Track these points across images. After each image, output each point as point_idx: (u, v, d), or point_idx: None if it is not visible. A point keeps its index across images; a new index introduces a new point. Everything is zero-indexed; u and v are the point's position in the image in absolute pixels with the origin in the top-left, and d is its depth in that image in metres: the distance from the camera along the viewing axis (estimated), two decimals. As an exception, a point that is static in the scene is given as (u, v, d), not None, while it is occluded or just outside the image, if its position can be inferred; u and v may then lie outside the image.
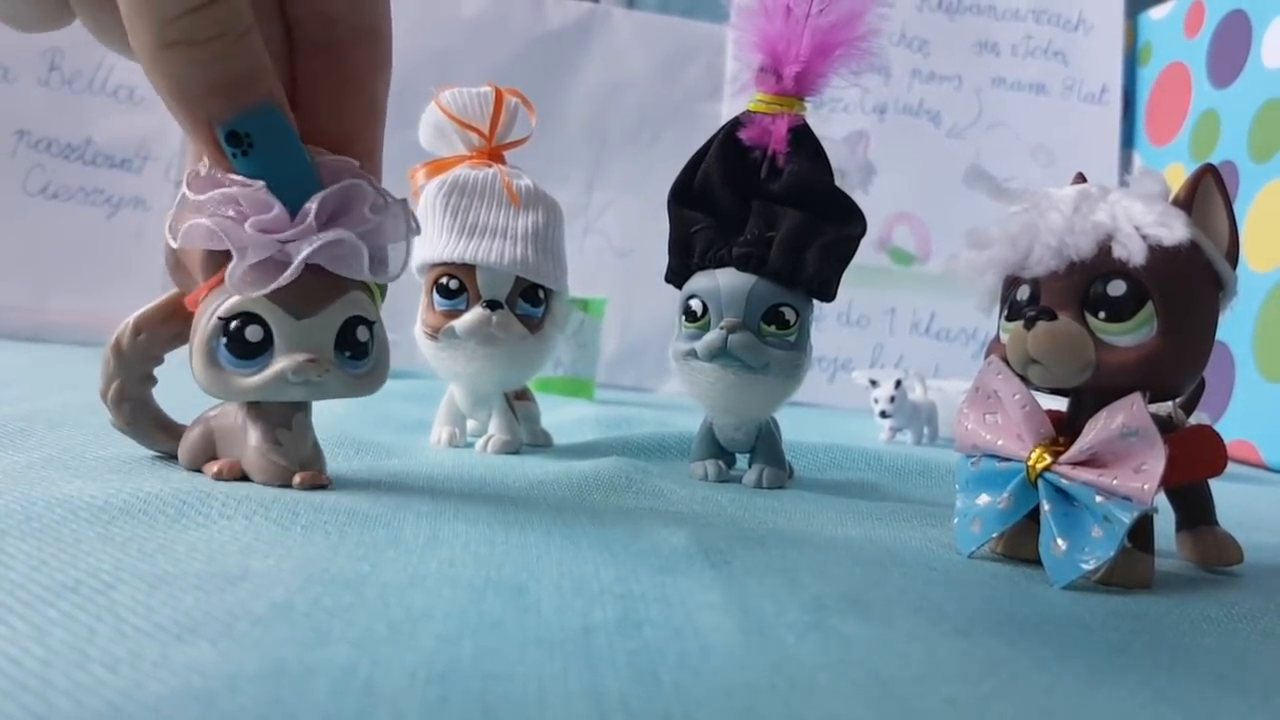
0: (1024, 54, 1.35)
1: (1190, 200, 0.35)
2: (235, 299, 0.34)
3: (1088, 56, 1.35)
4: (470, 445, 0.56)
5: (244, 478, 0.37)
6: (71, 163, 1.19)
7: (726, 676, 0.21)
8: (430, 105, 0.54)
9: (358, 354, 0.36)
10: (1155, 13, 1.31)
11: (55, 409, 0.51)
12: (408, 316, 0.55)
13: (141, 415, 0.39)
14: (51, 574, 0.23)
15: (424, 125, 0.55)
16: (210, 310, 0.35)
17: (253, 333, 0.35)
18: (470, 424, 0.58)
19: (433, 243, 0.52)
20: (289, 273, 0.33)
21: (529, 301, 0.53)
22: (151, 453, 0.41)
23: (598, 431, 0.67)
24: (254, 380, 0.35)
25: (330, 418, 0.55)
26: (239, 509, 0.32)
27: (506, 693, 0.19)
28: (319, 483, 0.37)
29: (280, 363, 0.35)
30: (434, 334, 0.52)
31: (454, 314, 0.52)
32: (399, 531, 0.31)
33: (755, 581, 0.30)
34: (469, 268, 0.51)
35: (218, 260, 0.35)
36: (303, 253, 0.33)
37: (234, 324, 0.35)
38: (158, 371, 0.39)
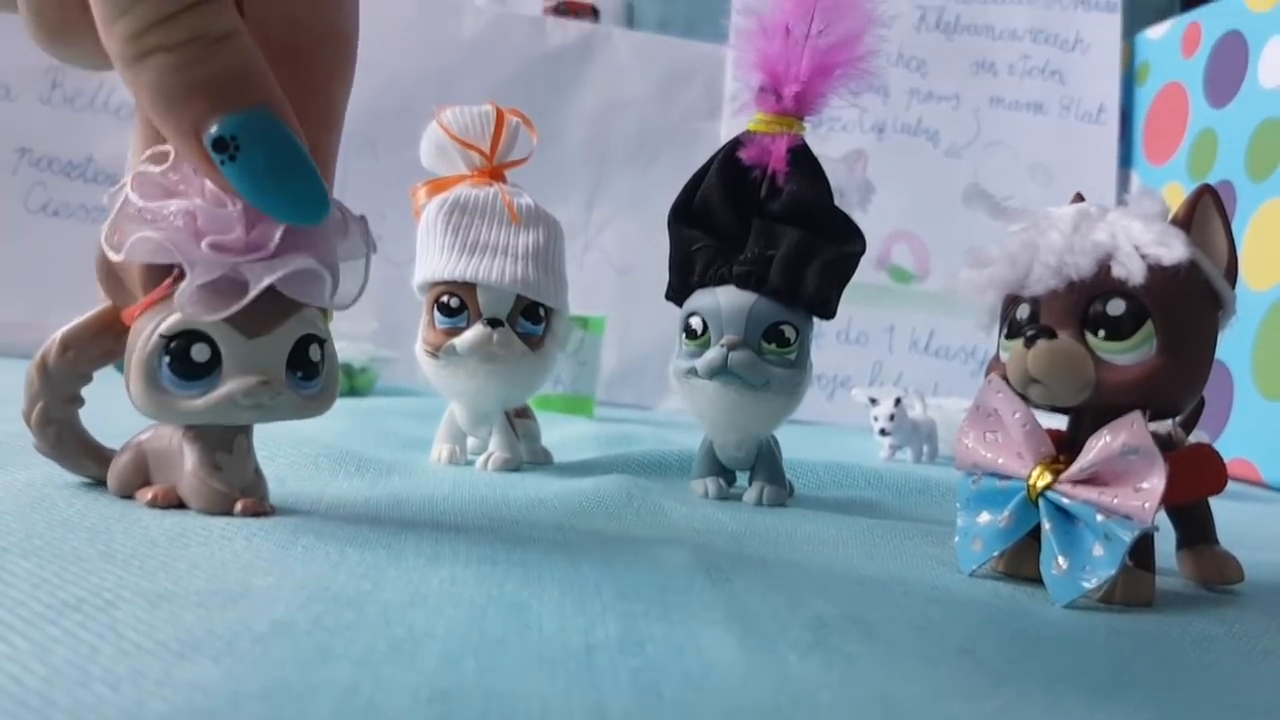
0: (1021, 74, 1.36)
1: (1189, 219, 0.35)
2: (179, 316, 0.32)
3: (1085, 76, 1.36)
4: (471, 463, 0.56)
5: (180, 505, 0.34)
6: (72, 180, 1.19)
7: (729, 695, 0.21)
8: (431, 124, 0.55)
9: (309, 374, 0.34)
10: (1152, 32, 1.32)
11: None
12: (408, 334, 0.55)
13: (68, 439, 0.37)
14: (53, 591, 0.23)
15: (425, 144, 0.56)
16: (150, 327, 0.32)
17: (199, 351, 0.32)
18: (470, 441, 0.58)
19: (434, 261, 0.52)
20: (245, 300, 0.31)
21: (530, 319, 0.53)
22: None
23: (598, 449, 0.67)
24: (200, 403, 0.32)
25: (331, 435, 0.55)
26: (240, 527, 0.32)
27: (509, 711, 0.19)
28: (261, 510, 0.34)
29: (230, 384, 0.32)
30: (435, 352, 0.52)
31: (455, 332, 0.52)
32: (400, 549, 0.31)
33: (757, 599, 0.30)
34: (470, 286, 0.52)
35: (159, 274, 0.32)
36: (263, 281, 0.31)
37: (177, 342, 0.32)
38: (86, 392, 0.37)
